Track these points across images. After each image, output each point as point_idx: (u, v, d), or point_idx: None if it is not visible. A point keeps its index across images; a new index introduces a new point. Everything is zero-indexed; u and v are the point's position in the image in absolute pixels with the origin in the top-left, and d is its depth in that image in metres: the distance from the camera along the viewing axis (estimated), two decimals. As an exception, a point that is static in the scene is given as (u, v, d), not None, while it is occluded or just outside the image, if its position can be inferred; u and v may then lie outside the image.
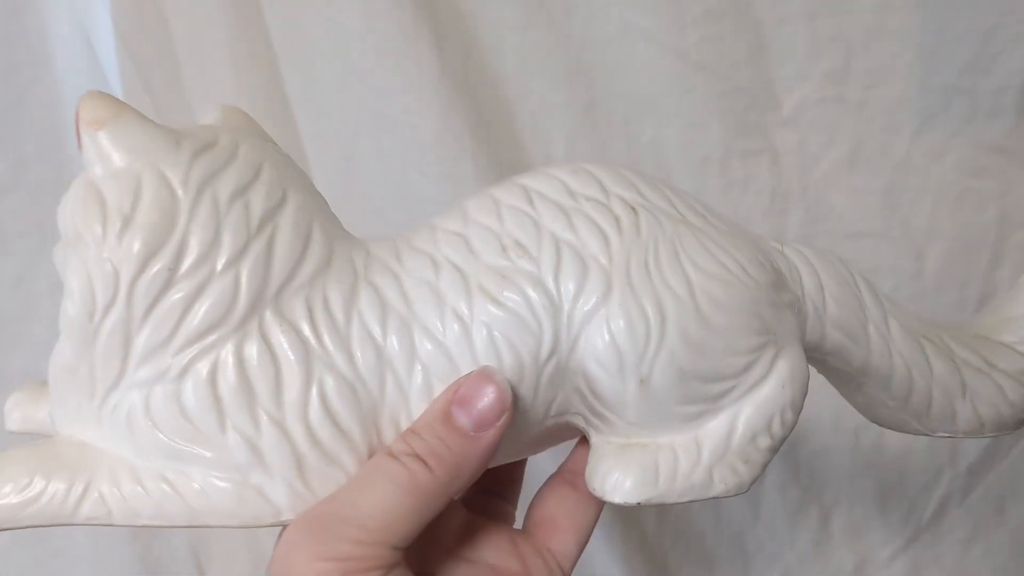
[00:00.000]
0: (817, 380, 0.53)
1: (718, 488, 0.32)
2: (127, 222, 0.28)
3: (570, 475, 0.37)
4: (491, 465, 0.33)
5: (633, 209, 0.32)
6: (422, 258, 0.32)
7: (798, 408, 0.33)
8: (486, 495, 0.40)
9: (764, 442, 0.32)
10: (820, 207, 0.63)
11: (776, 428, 0.32)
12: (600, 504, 0.36)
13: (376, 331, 0.31)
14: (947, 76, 0.60)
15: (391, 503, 0.29)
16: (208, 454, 0.29)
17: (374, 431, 0.31)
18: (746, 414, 0.32)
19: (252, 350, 0.29)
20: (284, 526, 0.30)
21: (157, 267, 0.28)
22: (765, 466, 0.33)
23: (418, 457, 0.30)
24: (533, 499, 0.38)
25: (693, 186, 0.63)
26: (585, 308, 0.31)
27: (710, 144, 0.62)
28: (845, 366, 0.35)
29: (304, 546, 0.28)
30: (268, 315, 0.30)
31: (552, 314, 0.31)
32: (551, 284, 0.31)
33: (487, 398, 0.30)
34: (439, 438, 0.30)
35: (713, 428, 0.32)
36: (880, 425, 0.39)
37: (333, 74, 0.60)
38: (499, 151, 0.60)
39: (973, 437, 0.38)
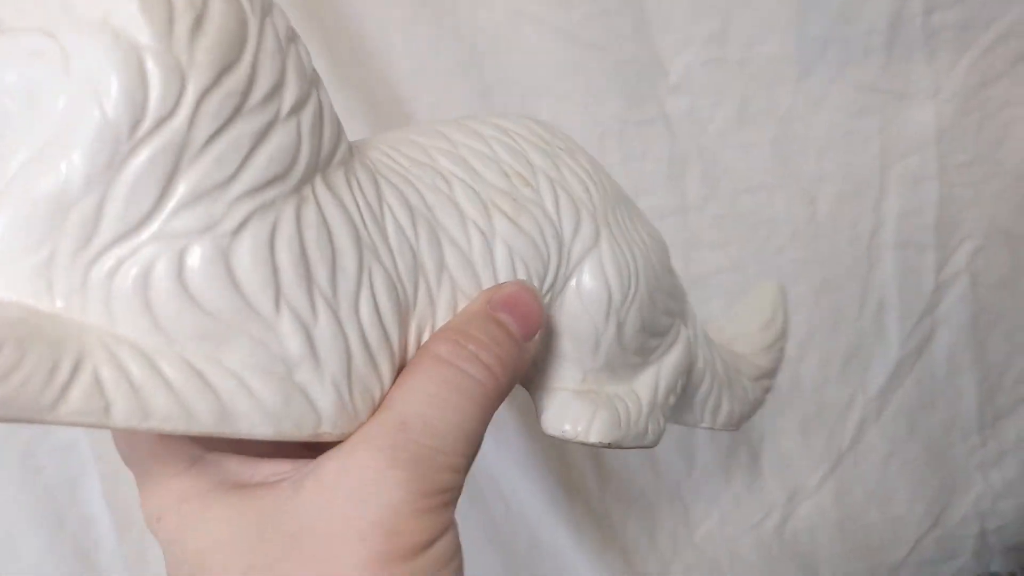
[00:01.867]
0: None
1: (650, 438, 0.35)
2: (199, 19, 0.22)
3: None
4: None
5: (590, 171, 0.34)
6: (425, 169, 0.29)
7: (687, 371, 0.37)
8: None
9: (671, 399, 0.36)
10: (716, 167, 0.66)
11: (678, 386, 0.36)
12: None
13: (409, 231, 0.27)
14: (821, 26, 0.63)
15: (469, 422, 0.27)
16: (254, 337, 0.23)
17: (405, 340, 0.27)
18: (665, 371, 0.36)
19: (311, 217, 0.24)
20: (317, 441, 0.26)
21: (230, 84, 0.22)
22: (668, 418, 0.37)
23: (479, 361, 0.27)
24: None
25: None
26: (580, 247, 0.31)
27: (606, 118, 0.64)
28: None
29: (404, 480, 0.25)
30: (320, 185, 0.25)
31: (557, 247, 0.31)
32: (554, 216, 0.31)
33: (531, 304, 0.29)
34: (494, 339, 0.28)
35: (645, 380, 0.35)
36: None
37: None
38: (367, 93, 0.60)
39: (722, 430, 0.44)
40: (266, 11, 0.24)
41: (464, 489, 0.29)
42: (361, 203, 0.26)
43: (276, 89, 0.24)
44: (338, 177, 0.26)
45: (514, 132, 0.32)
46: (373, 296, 0.26)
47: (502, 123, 0.33)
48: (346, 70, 0.58)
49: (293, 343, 0.24)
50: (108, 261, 0.22)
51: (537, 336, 0.29)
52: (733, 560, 0.75)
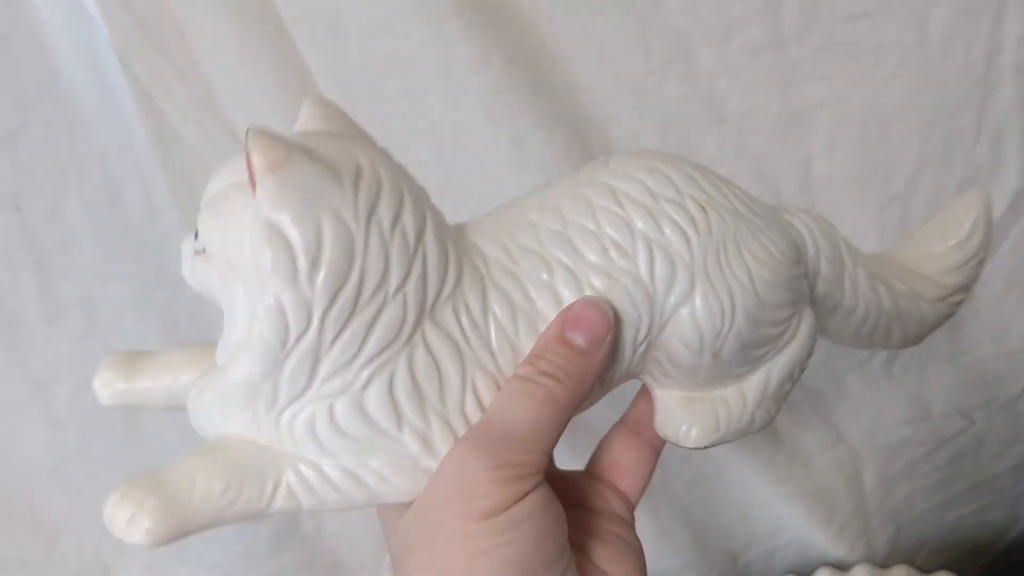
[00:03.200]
0: (849, 172, 0.55)
1: (757, 425, 0.40)
2: (315, 262, 0.31)
3: (634, 424, 0.44)
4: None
5: (704, 208, 0.37)
6: (534, 258, 0.37)
7: (810, 356, 0.41)
8: None
9: (787, 386, 0.41)
10: (815, -7, 0.62)
11: (796, 374, 0.41)
12: (659, 449, 0.44)
13: (510, 329, 0.36)
14: None
15: (536, 416, 0.34)
16: (387, 448, 0.34)
17: None
18: (778, 368, 0.40)
19: (420, 359, 0.34)
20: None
21: (343, 299, 0.32)
22: (785, 401, 0.41)
23: (547, 374, 0.35)
24: (599, 446, 0.45)
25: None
26: (674, 300, 0.37)
27: (694, -48, 0.61)
28: (823, 305, 0.43)
29: (476, 458, 0.33)
30: (428, 326, 0.34)
31: (649, 307, 0.37)
32: (647, 281, 0.36)
33: (595, 318, 0.36)
34: (561, 356, 0.35)
35: (754, 381, 0.40)
36: (832, 341, 0.47)
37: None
38: (480, 3, 0.60)
39: (900, 348, 0.49)
40: (371, 212, 0.33)
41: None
42: (466, 324, 0.35)
43: (383, 280, 0.33)
44: (446, 312, 0.35)
45: (623, 193, 0.37)
46: (476, 396, 0.35)
47: (612, 182, 0.38)
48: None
49: (414, 447, 0.34)
50: (287, 414, 0.34)
51: (609, 337, 0.36)
52: (839, 394, 0.75)
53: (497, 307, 0.36)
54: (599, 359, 0.36)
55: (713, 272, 0.37)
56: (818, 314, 0.42)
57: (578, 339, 0.35)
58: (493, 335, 0.36)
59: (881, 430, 0.76)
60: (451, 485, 0.33)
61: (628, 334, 0.37)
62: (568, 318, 0.36)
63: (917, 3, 0.62)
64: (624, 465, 0.43)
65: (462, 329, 0.35)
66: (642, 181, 0.38)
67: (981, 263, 0.47)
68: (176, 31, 0.61)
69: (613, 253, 0.37)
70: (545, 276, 0.36)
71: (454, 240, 0.36)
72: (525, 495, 0.33)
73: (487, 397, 0.35)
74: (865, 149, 0.66)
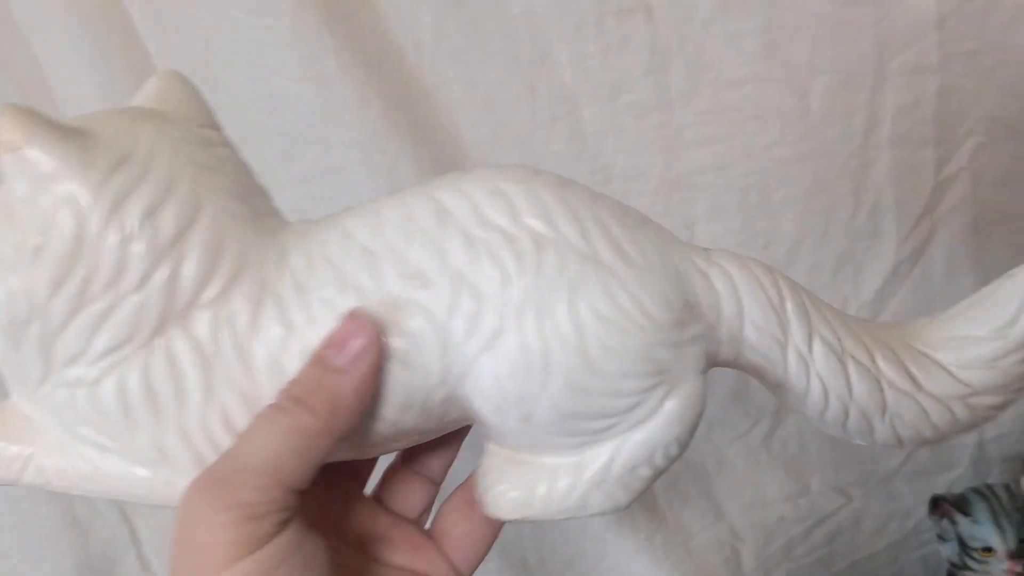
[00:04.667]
0: (730, 238, 0.53)
1: (593, 509, 0.33)
2: (38, 251, 0.30)
3: (472, 488, 0.37)
4: (399, 446, 0.36)
5: (540, 245, 0.32)
6: (330, 273, 0.32)
7: (685, 442, 0.33)
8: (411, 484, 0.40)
9: (644, 472, 0.33)
10: (700, 58, 0.62)
11: (659, 460, 0.33)
12: (497, 523, 0.37)
13: (277, 349, 0.32)
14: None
15: (278, 446, 0.30)
16: (125, 448, 0.32)
17: None
18: (628, 448, 0.32)
19: (157, 365, 0.31)
20: None
21: (67, 291, 0.30)
22: (645, 490, 0.34)
23: (295, 399, 0.31)
24: (441, 506, 0.38)
25: (571, 53, 0.61)
26: (475, 347, 0.31)
27: (582, 8, 0.60)
28: (765, 380, 0.35)
29: (203, 503, 0.29)
30: (174, 332, 0.31)
31: (441, 350, 0.31)
32: (444, 320, 0.31)
33: (350, 333, 0.31)
34: (310, 378, 0.31)
35: (595, 455, 0.33)
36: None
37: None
38: (362, 44, 0.57)
39: (897, 447, 0.37)
40: (117, 203, 0.30)
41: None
42: (224, 337, 0.31)
43: (115, 279, 0.30)
44: (202, 320, 0.31)
45: (449, 214, 0.32)
46: (225, 416, 0.31)
47: (445, 198, 0.33)
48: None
49: (150, 453, 0.32)
50: (40, 393, 0.32)
51: (371, 354, 0.31)
52: (720, 469, 0.74)
53: (269, 323, 0.32)
54: (356, 379, 0.31)
55: (528, 322, 0.31)
56: (768, 388, 0.36)
57: (333, 358, 0.31)
58: (257, 352, 0.31)
59: (761, 506, 0.75)
60: (180, 536, 0.29)
61: (415, 377, 0.32)
62: (327, 337, 0.31)
63: (799, 72, 0.63)
64: (453, 536, 0.37)
65: (216, 341, 0.31)
66: (475, 203, 0.32)
67: (1021, 362, 0.35)
68: (37, 70, 0.57)
69: (414, 283, 0.32)
70: (331, 294, 0.32)
71: (260, 244, 0.32)
72: (267, 541, 0.29)
73: (240, 420, 0.31)
74: (747, 216, 0.66)
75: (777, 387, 0.35)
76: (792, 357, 0.34)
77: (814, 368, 0.34)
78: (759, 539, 0.76)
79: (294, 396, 0.31)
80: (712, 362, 0.34)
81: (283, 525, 0.29)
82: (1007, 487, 0.69)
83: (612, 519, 0.70)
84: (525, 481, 0.33)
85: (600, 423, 0.32)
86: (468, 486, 0.37)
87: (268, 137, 0.59)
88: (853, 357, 0.34)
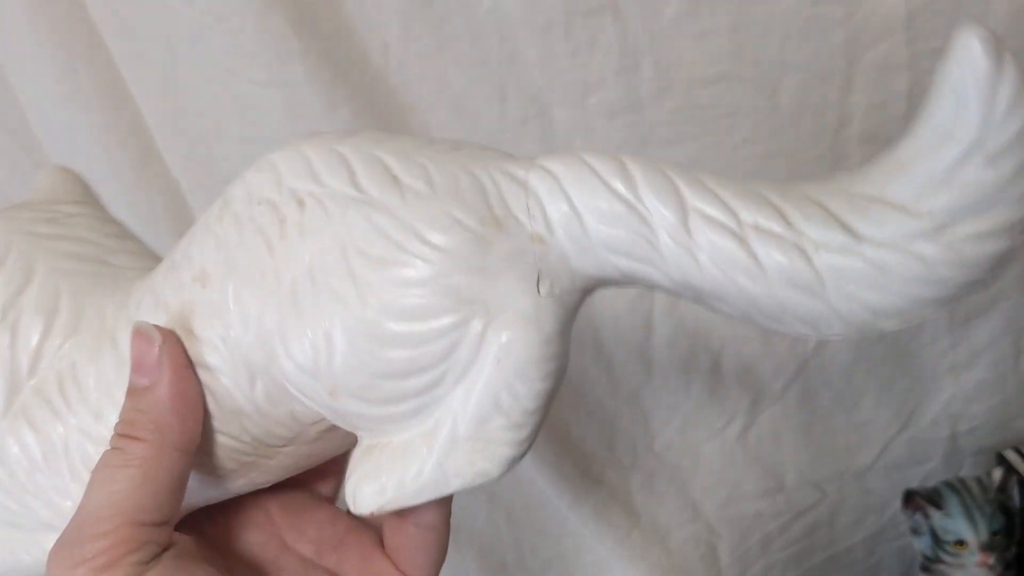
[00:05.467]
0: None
1: (455, 483, 0.29)
2: None
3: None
4: (276, 471, 0.34)
5: (301, 203, 0.29)
6: (150, 299, 0.32)
7: (532, 376, 0.28)
8: None
9: (498, 424, 0.28)
10: (669, 57, 0.61)
11: (509, 405, 0.28)
12: (435, 525, 0.34)
13: (116, 387, 0.31)
14: (778, -97, 0.59)
15: (114, 487, 0.29)
16: (26, 517, 0.33)
17: None
18: (466, 400, 0.28)
19: (27, 438, 0.32)
20: None
21: None
22: (514, 456, 0.29)
23: (123, 435, 0.30)
24: (384, 525, 0.36)
25: (540, 53, 0.60)
26: (262, 331, 0.29)
27: (551, 8, 0.59)
28: (662, 289, 0.30)
29: (56, 568, 0.29)
30: (28, 394, 0.32)
31: (230, 348, 0.30)
32: (232, 309, 0.30)
33: (137, 345, 0.31)
34: (129, 409, 0.31)
35: (438, 420, 0.29)
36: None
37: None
38: (330, 47, 0.56)
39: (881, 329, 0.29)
40: None
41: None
42: (69, 387, 0.32)
43: None
44: (49, 377, 0.32)
45: (231, 199, 0.31)
46: (87, 469, 0.31)
47: (228, 189, 0.31)
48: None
49: (43, 517, 0.33)
50: None
51: (167, 357, 0.30)
52: (695, 467, 0.74)
53: (105, 362, 0.32)
54: (166, 386, 0.30)
55: (299, 294, 0.28)
56: (689, 299, 0.30)
57: (138, 380, 0.30)
58: (93, 397, 0.32)
59: (737, 503, 0.75)
60: None
61: (226, 378, 0.30)
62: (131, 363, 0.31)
63: (770, 70, 0.62)
64: (403, 554, 0.35)
65: (65, 398, 0.32)
66: (247, 183, 0.30)
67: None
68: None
69: (198, 284, 0.31)
70: (150, 318, 0.32)
71: (102, 290, 0.33)
72: None
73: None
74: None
75: (683, 288, 0.29)
76: (667, 247, 0.28)
77: (702, 255, 0.28)
78: (736, 535, 0.77)
79: (120, 433, 0.30)
80: (570, 281, 0.29)
81: (149, 563, 0.28)
82: (979, 480, 0.69)
83: (589, 516, 0.71)
84: (377, 468, 0.30)
85: (421, 378, 0.28)
86: None
87: (235, 143, 0.58)
88: (756, 227, 0.27)
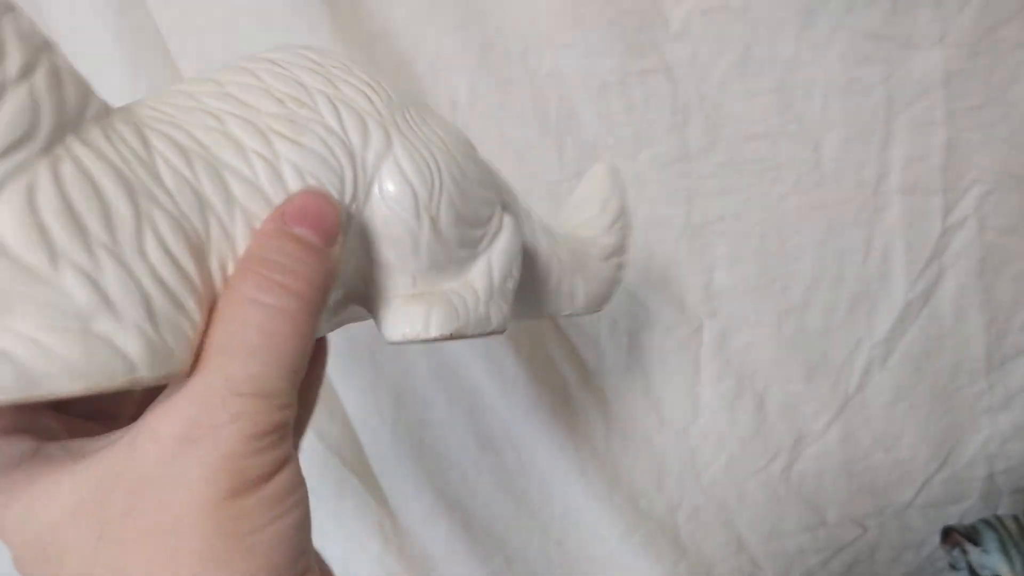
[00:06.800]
0: (748, 282, 0.56)
1: (494, 322, 0.36)
2: None
3: None
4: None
5: (375, 81, 0.34)
6: (194, 113, 0.29)
7: (521, 257, 0.38)
8: None
9: (510, 283, 0.37)
10: (718, 114, 0.66)
11: (515, 271, 0.37)
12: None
13: (185, 171, 0.27)
14: (822, -28, 0.63)
15: (290, 356, 0.27)
16: (38, 298, 0.23)
17: (207, 274, 0.27)
18: (496, 258, 0.36)
19: (68, 173, 0.24)
20: (137, 387, 0.26)
21: None
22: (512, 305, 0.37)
23: (288, 291, 0.27)
24: None
25: (597, 111, 0.65)
26: (374, 154, 0.31)
27: (607, 69, 0.64)
28: None
29: (239, 432, 0.26)
30: (74, 142, 0.25)
31: (348, 157, 0.31)
32: (339, 130, 0.31)
33: (323, 208, 0.29)
34: (298, 260, 0.28)
35: (476, 273, 0.36)
36: (518, 320, 0.42)
37: (221, 43, 0.60)
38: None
39: (586, 313, 0.47)
40: None
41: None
42: (126, 152, 0.26)
43: None
44: (95, 133, 0.26)
45: (284, 61, 0.32)
46: (158, 237, 0.26)
47: (272, 55, 0.32)
48: (344, 25, 0.59)
49: (81, 296, 0.24)
50: None
51: (340, 237, 0.29)
52: (740, 502, 0.76)
53: (161, 145, 0.27)
54: (333, 262, 0.29)
55: (406, 129, 0.32)
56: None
57: (309, 235, 0.28)
58: (163, 171, 0.27)
59: (780, 537, 0.78)
60: (204, 457, 0.25)
61: (335, 189, 0.31)
62: (288, 211, 0.28)
63: (812, 126, 0.66)
64: None
65: (120, 153, 0.26)
66: (302, 54, 0.33)
67: (626, 225, 0.49)
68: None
69: (291, 104, 0.30)
70: (213, 124, 0.29)
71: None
72: (287, 460, 0.27)
73: (174, 244, 0.26)
74: (764, 260, 0.70)
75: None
76: (526, 223, 0.42)
77: (539, 236, 0.43)
78: (779, 569, 0.79)
79: (289, 289, 0.27)
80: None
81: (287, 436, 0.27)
82: (1015, 518, 0.72)
83: (638, 548, 0.73)
84: (443, 300, 0.34)
85: (478, 231, 0.36)
86: None
87: None
88: (552, 233, 0.45)
